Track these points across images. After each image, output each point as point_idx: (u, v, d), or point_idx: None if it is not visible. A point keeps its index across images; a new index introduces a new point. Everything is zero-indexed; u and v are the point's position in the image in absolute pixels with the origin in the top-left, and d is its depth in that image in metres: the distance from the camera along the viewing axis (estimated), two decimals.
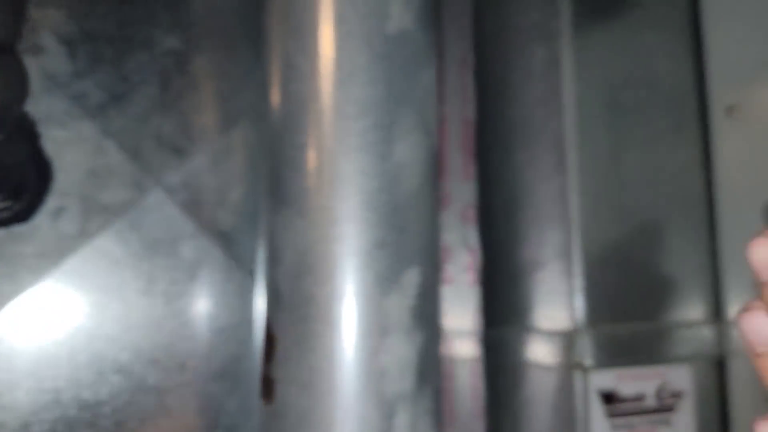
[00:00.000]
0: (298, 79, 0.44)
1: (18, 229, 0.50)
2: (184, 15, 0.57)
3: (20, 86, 0.45)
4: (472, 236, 0.71)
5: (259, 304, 0.55)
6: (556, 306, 0.64)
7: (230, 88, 0.59)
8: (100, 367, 0.51)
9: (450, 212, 0.71)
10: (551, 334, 0.63)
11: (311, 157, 0.44)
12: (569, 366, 0.60)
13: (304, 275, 0.43)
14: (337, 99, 0.44)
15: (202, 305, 0.55)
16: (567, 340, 0.61)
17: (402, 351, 0.43)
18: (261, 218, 0.53)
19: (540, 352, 0.65)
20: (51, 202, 0.51)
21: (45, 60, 0.52)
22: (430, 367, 0.46)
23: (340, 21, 0.43)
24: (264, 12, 0.48)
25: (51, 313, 0.51)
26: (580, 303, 0.61)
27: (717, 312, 0.68)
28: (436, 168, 0.49)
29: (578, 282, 0.61)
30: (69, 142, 0.53)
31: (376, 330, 0.43)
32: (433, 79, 0.50)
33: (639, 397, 0.64)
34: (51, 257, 0.51)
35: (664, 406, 0.65)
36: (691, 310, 0.68)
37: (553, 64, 0.67)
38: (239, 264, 0.56)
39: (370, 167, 0.44)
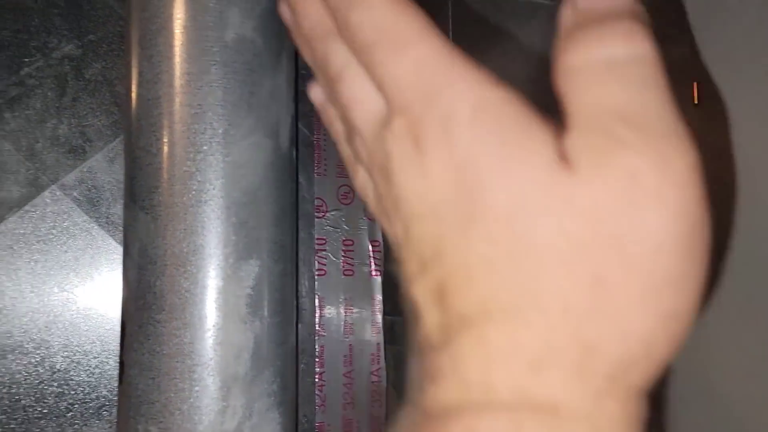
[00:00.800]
0: (144, 84, 0.48)
1: None
2: (80, 23, 0.61)
3: None
4: (375, 229, 0.74)
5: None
6: None
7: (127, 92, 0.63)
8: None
9: (353, 207, 0.73)
10: None
11: (156, 158, 0.47)
12: None
13: (147, 266, 0.47)
14: (177, 103, 0.47)
15: (91, 292, 0.59)
16: None
17: (237, 338, 0.47)
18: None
19: None
20: None
21: None
22: (271, 352, 0.49)
23: (181, 29, 0.47)
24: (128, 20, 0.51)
25: None
26: None
27: None
28: (286, 167, 0.52)
29: None
30: None
31: (212, 317, 0.46)
32: (283, 85, 0.52)
33: None
34: None
35: None
36: None
37: None
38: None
39: (207, 167, 0.47)
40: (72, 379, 0.58)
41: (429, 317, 0.16)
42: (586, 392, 0.15)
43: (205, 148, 0.47)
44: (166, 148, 0.47)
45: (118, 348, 0.58)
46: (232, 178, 0.47)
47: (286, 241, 0.51)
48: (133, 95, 0.49)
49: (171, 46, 0.47)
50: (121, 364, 0.48)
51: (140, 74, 0.49)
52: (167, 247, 0.46)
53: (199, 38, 0.47)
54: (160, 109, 0.48)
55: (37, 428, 0.56)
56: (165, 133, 0.47)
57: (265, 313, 0.48)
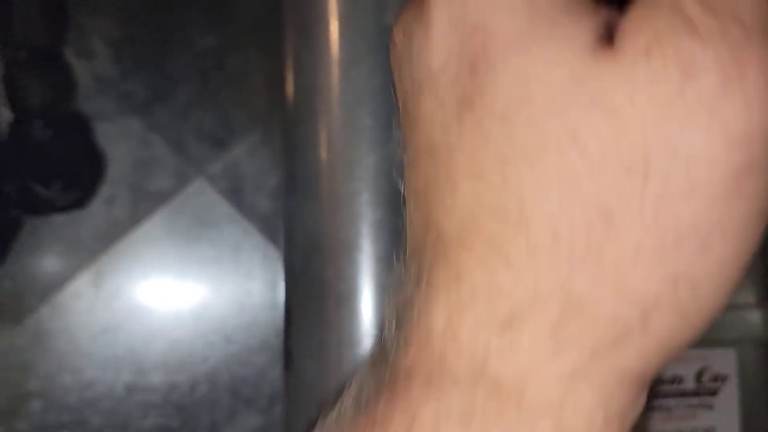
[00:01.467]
0: (304, 73, 0.48)
1: (76, 214, 0.57)
2: (219, 15, 0.61)
3: (67, 86, 0.51)
4: None
5: None
6: None
7: (265, 83, 0.63)
8: (149, 339, 0.57)
9: None
10: None
11: (318, 145, 0.47)
12: None
13: (313, 254, 0.47)
14: (339, 90, 0.46)
15: (243, 283, 0.60)
16: None
17: None
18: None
19: None
20: (104, 191, 0.58)
21: (95, 63, 0.58)
22: None
23: (340, 15, 0.46)
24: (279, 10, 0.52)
25: (106, 291, 0.57)
26: None
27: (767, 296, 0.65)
28: None
29: None
30: (118, 137, 0.59)
31: (380, 305, 0.46)
32: None
33: (677, 380, 0.63)
34: (105, 240, 0.57)
35: (705, 390, 0.64)
36: (739, 293, 0.65)
37: None
38: (276, 244, 0.61)
39: (371, 152, 0.46)
40: (221, 366, 0.59)
41: (411, 232, 0.13)
42: (558, 369, 0.11)
43: (369, 134, 0.46)
44: (328, 135, 0.47)
45: (276, 337, 0.58)
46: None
47: None
48: (292, 84, 0.49)
49: (330, 32, 0.47)
50: (288, 351, 0.48)
51: (299, 62, 0.48)
52: (333, 234, 0.46)
53: (359, 23, 0.47)
54: (321, 96, 0.47)
55: (192, 414, 0.57)
56: (327, 120, 0.47)
57: None
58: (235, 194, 0.61)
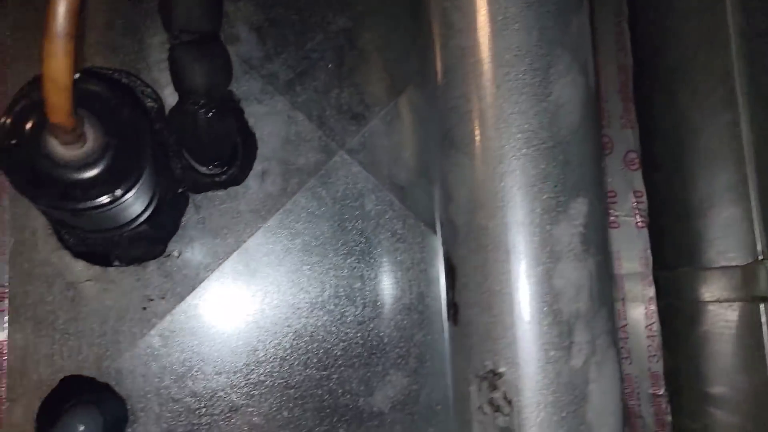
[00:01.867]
0: (456, 35, 0.49)
1: (233, 189, 0.60)
2: None
3: (226, 69, 0.54)
4: (638, 181, 0.71)
5: (436, 242, 0.61)
6: (732, 241, 0.63)
7: (396, 57, 0.65)
8: (303, 303, 0.60)
9: (613, 158, 0.71)
10: (729, 270, 0.62)
11: (475, 104, 0.48)
12: (752, 299, 0.59)
13: (476, 210, 0.48)
14: (493, 48, 0.48)
15: (387, 248, 0.62)
16: (748, 273, 0.60)
17: (574, 274, 0.47)
18: (433, 165, 0.58)
19: (717, 288, 0.64)
20: (257, 167, 0.61)
21: (240, 47, 0.61)
22: (603, 290, 0.48)
23: None
24: None
25: (262, 261, 0.61)
26: (759, 235, 0.60)
27: None
28: (595, 106, 0.51)
29: (756, 214, 0.60)
30: (266, 116, 0.62)
31: (547, 256, 0.46)
32: (586, 23, 0.52)
33: None
34: (261, 213, 0.61)
35: None
36: None
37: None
38: (414, 211, 0.63)
39: (529, 108, 0.47)
40: (372, 329, 0.61)
41: None
42: None
43: (526, 89, 0.47)
44: (485, 94, 0.48)
45: (420, 300, 0.60)
46: (554, 117, 0.47)
47: (603, 180, 0.50)
48: (442, 47, 0.51)
49: None
50: (455, 305, 0.50)
51: (450, 25, 0.50)
52: (495, 190, 0.47)
53: None
54: (475, 56, 0.49)
55: (344, 376, 0.60)
56: (482, 79, 0.48)
57: (595, 251, 0.48)
58: (374, 166, 0.63)
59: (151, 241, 0.55)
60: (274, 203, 0.61)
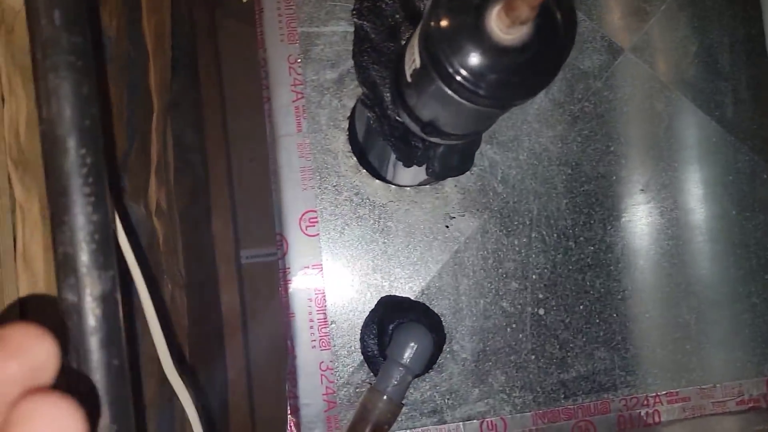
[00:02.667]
0: None
1: None
2: None
3: None
4: None
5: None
6: None
7: None
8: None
9: None
10: None
11: None
12: None
13: None
14: None
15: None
16: None
17: None
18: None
19: None
20: None
21: None
22: None
23: None
24: None
25: (554, 168, 0.58)
26: None
27: None
28: None
29: None
30: None
31: None
32: None
33: None
34: (549, 122, 0.58)
35: None
36: None
37: None
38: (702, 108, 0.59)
39: None
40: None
41: None
42: None
43: None
44: None
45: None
46: None
47: None
48: None
49: None
50: None
51: None
52: None
53: None
54: None
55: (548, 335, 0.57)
56: None
57: None
58: (661, 64, 0.60)
59: (462, 154, 0.54)
60: (562, 111, 0.59)
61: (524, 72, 0.34)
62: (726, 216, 0.60)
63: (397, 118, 0.49)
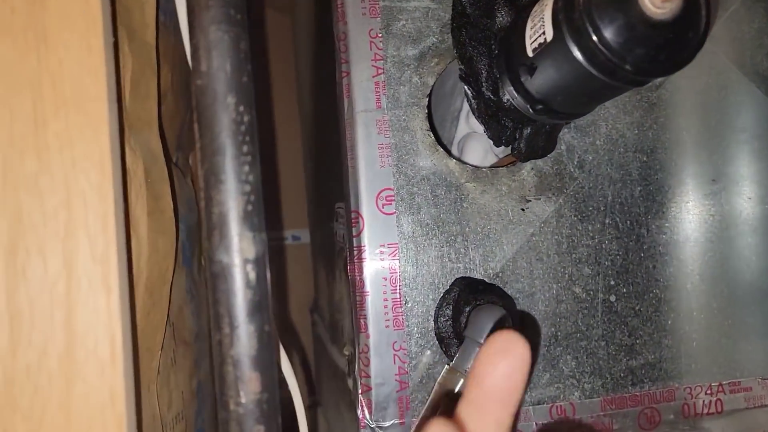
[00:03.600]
0: None
1: None
2: None
3: None
4: None
5: None
6: None
7: None
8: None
9: None
10: None
11: None
12: None
13: None
14: None
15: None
16: None
17: None
18: None
19: None
20: None
21: None
22: None
23: None
24: None
25: (601, 158, 0.58)
26: None
27: None
28: None
29: None
30: None
31: None
32: None
33: None
34: (625, 107, 0.58)
35: None
36: None
37: None
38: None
39: None
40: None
41: None
42: None
43: None
44: None
45: None
46: None
47: None
48: None
49: None
50: None
51: None
52: None
53: None
54: None
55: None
56: None
57: None
58: (737, 54, 0.60)
59: (547, 136, 0.53)
60: (639, 98, 0.59)
61: (672, 47, 0.34)
62: None
63: (491, 95, 0.49)
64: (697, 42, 0.34)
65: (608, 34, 0.33)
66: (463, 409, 0.31)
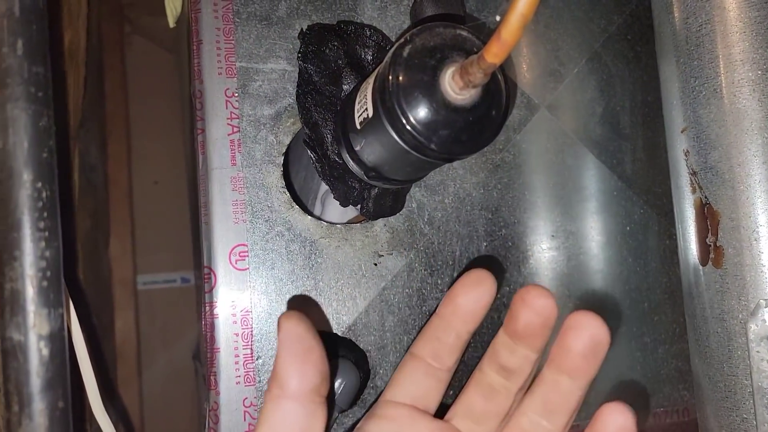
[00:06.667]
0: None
1: None
2: None
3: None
4: None
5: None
6: None
7: (585, 17, 0.67)
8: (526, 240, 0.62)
9: None
10: None
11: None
12: None
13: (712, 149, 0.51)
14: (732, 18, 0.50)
15: (588, 204, 0.64)
16: None
17: None
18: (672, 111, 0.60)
19: None
20: None
21: None
22: None
23: None
24: None
25: (475, 212, 0.62)
26: None
27: None
28: None
29: None
30: None
31: None
32: None
33: None
34: (473, 169, 0.62)
35: None
36: None
37: None
38: (607, 166, 0.65)
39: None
40: (629, 282, 0.63)
41: None
42: None
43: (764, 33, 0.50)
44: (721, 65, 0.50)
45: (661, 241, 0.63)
46: None
47: None
48: (678, 23, 0.53)
49: None
50: (717, 248, 0.53)
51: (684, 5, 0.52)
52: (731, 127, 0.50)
53: None
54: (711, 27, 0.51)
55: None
56: (719, 47, 0.51)
57: None
58: (572, 121, 0.65)
59: (395, 196, 0.56)
60: (485, 160, 0.63)
61: (472, 129, 0.37)
62: (624, 262, 0.66)
63: (337, 158, 0.51)
64: (497, 125, 0.38)
65: (415, 116, 0.36)
66: (433, 321, 0.44)
